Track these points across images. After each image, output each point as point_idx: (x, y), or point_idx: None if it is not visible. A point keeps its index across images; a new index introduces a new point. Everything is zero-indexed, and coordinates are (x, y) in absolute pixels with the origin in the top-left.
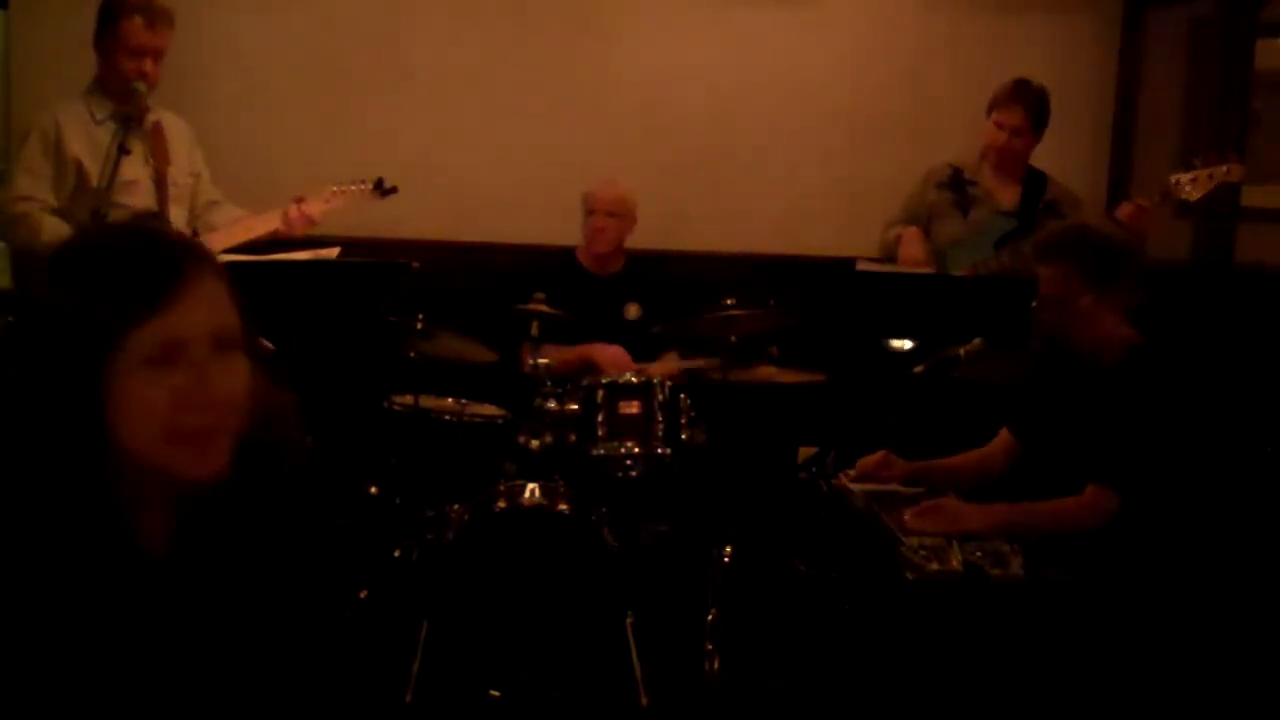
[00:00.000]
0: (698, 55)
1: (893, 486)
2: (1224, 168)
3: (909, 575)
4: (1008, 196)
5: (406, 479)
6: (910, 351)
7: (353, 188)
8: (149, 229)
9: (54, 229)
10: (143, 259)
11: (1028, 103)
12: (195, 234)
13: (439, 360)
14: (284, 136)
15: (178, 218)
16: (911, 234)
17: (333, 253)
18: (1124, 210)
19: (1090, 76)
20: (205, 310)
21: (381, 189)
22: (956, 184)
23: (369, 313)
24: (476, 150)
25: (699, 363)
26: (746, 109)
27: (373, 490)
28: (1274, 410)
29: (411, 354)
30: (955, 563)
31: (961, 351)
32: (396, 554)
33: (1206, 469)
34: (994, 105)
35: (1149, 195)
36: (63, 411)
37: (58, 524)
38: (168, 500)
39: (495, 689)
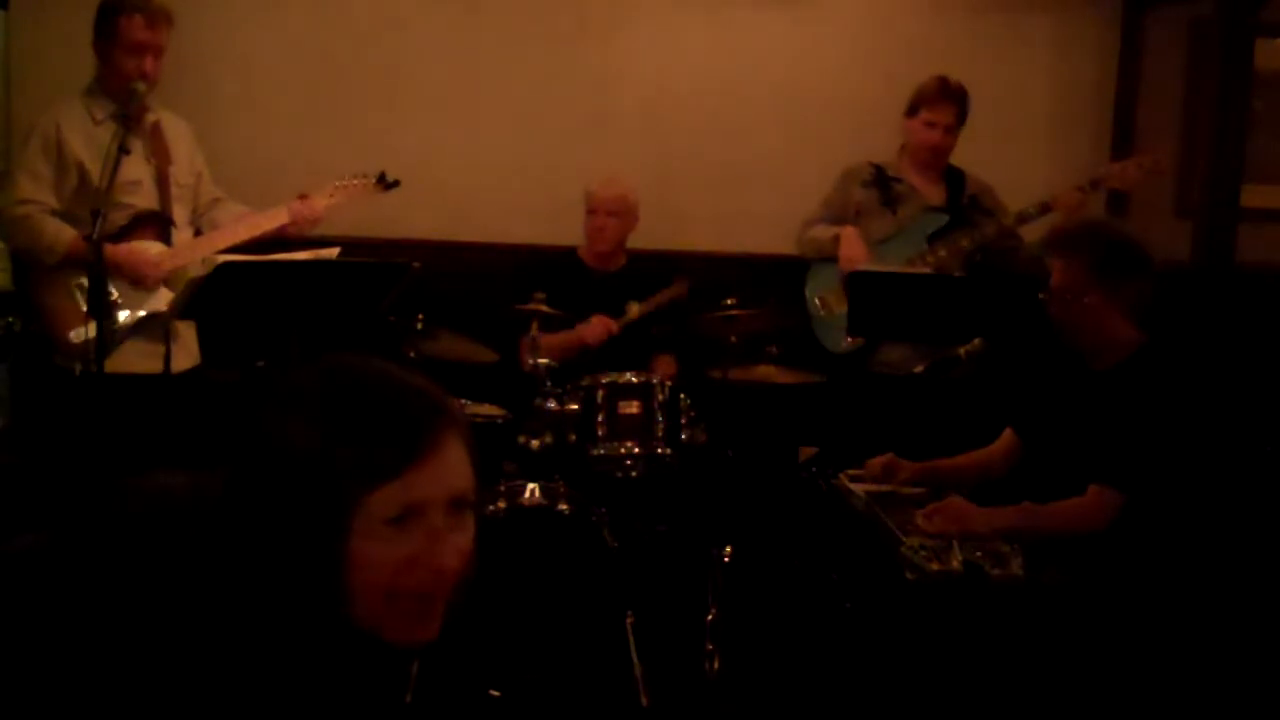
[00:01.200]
0: (697, 55)
1: (893, 486)
2: (1149, 158)
3: (909, 575)
4: (934, 193)
5: None
6: (858, 350)
7: (355, 182)
8: (404, 381)
9: (56, 232)
10: (398, 416)
11: (957, 100)
12: (199, 232)
13: (439, 360)
14: (283, 137)
15: (180, 217)
16: (850, 233)
17: (333, 253)
18: (1060, 201)
19: (1090, 76)
20: (450, 473)
21: (384, 183)
22: (881, 182)
23: (369, 313)
24: (476, 150)
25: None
26: (746, 109)
27: None
28: (1274, 410)
29: (411, 354)
30: (955, 563)
31: (961, 351)
32: None
33: (1209, 469)
34: (920, 104)
35: (1082, 184)
36: (298, 560)
37: (268, 655)
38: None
39: (495, 689)
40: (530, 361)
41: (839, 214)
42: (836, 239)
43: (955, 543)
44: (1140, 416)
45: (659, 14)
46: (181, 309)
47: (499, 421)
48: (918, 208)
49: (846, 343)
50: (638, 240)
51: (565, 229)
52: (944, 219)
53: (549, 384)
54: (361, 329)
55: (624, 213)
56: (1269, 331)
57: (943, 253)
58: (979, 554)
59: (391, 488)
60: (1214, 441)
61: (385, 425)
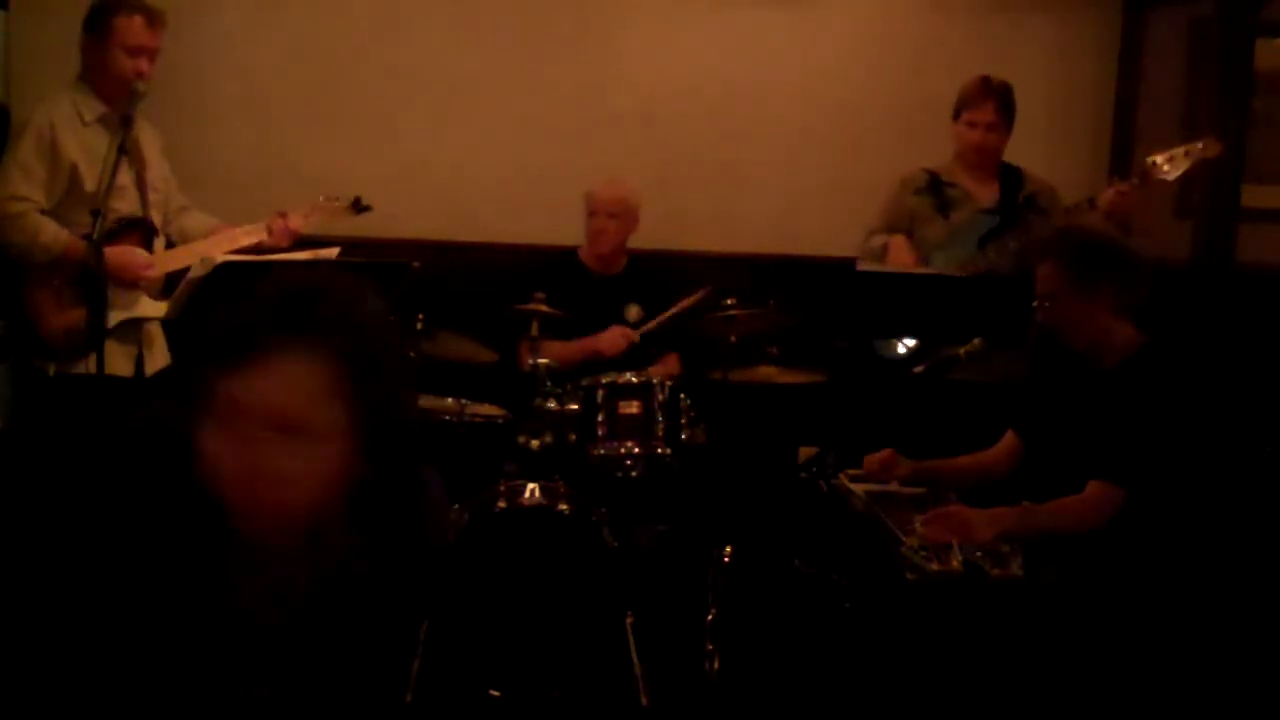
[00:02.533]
0: (697, 56)
1: (893, 486)
2: (1199, 144)
3: (909, 575)
4: (987, 195)
5: None
6: (912, 353)
7: (328, 204)
8: (286, 290)
9: (55, 231)
10: (249, 316)
11: (997, 97)
12: (170, 242)
13: (439, 360)
14: (282, 137)
15: (155, 223)
16: (899, 241)
17: (333, 253)
18: (1105, 196)
19: (1090, 76)
20: (271, 389)
21: (358, 206)
22: (935, 188)
23: None
24: (476, 150)
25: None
26: (746, 109)
27: None
28: (1274, 410)
29: (411, 354)
30: (955, 563)
31: (961, 351)
32: None
33: (1209, 468)
34: (962, 106)
35: (1129, 179)
36: (181, 422)
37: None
38: None
39: (495, 689)
40: (530, 362)
41: (895, 222)
42: (887, 248)
43: (955, 543)
44: (1142, 413)
45: (659, 14)
46: (180, 309)
47: (499, 421)
48: (970, 211)
49: (901, 350)
50: (638, 240)
51: (565, 229)
52: (995, 221)
53: (549, 384)
54: None
55: (624, 215)
56: (1269, 331)
57: (992, 255)
58: (979, 554)
59: (222, 382)
60: (1215, 440)
61: (236, 321)
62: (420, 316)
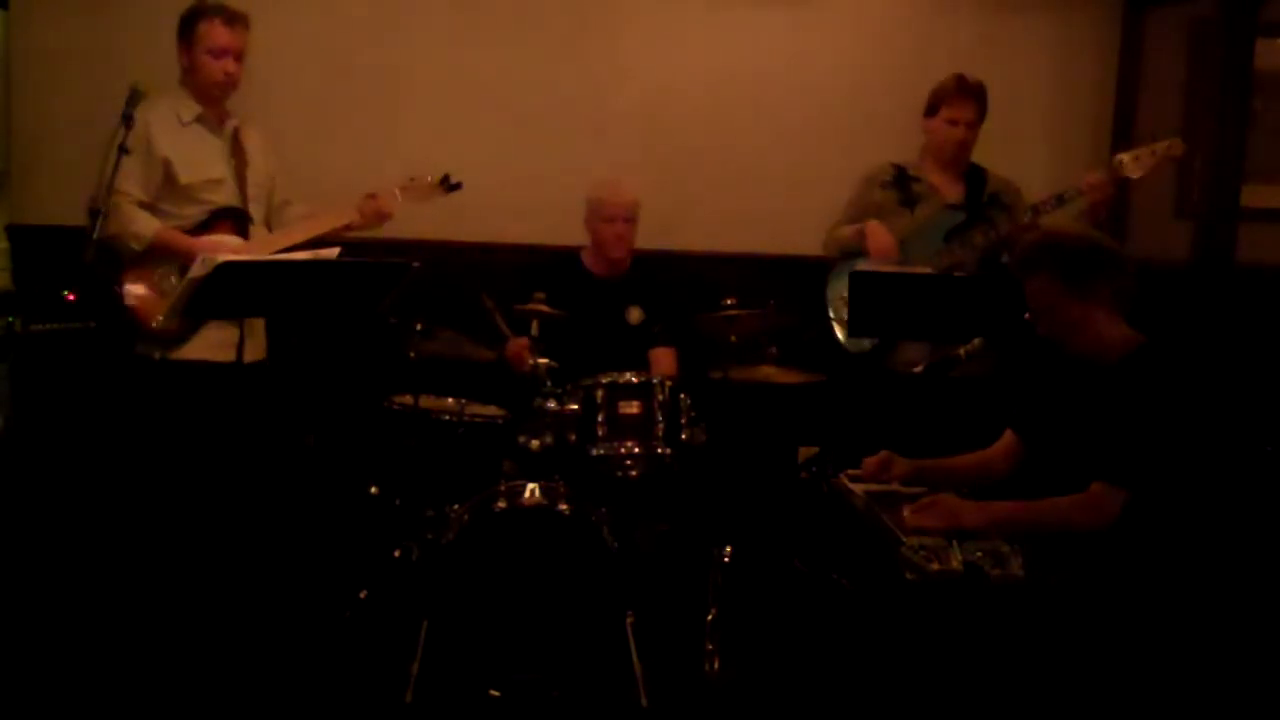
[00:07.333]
0: (698, 55)
1: (893, 486)
2: (1164, 143)
3: (909, 575)
4: (952, 191)
5: (406, 479)
6: (875, 350)
7: (415, 184)
8: None
9: (146, 220)
10: None
11: (975, 96)
12: (270, 230)
13: (439, 360)
14: (282, 136)
15: (256, 215)
16: (875, 226)
17: (333, 253)
18: (1077, 190)
19: (1090, 76)
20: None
21: (447, 185)
22: (901, 182)
23: (369, 313)
24: (477, 150)
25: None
26: (746, 109)
27: (373, 490)
28: (1274, 410)
29: (411, 354)
30: (955, 563)
31: (961, 351)
32: (396, 554)
33: (1210, 468)
34: (940, 103)
35: (1097, 175)
36: None
37: None
38: None
39: (495, 689)
40: (530, 362)
41: (861, 216)
42: (862, 234)
43: (955, 543)
44: (1145, 412)
45: (660, 14)
46: (181, 309)
47: (499, 421)
48: (935, 207)
49: (865, 343)
50: (637, 240)
51: (565, 229)
52: (960, 217)
53: (549, 384)
54: (361, 329)
55: (637, 218)
56: (1269, 331)
57: (959, 251)
58: (979, 554)
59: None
60: (1218, 440)
61: None
62: (420, 318)
